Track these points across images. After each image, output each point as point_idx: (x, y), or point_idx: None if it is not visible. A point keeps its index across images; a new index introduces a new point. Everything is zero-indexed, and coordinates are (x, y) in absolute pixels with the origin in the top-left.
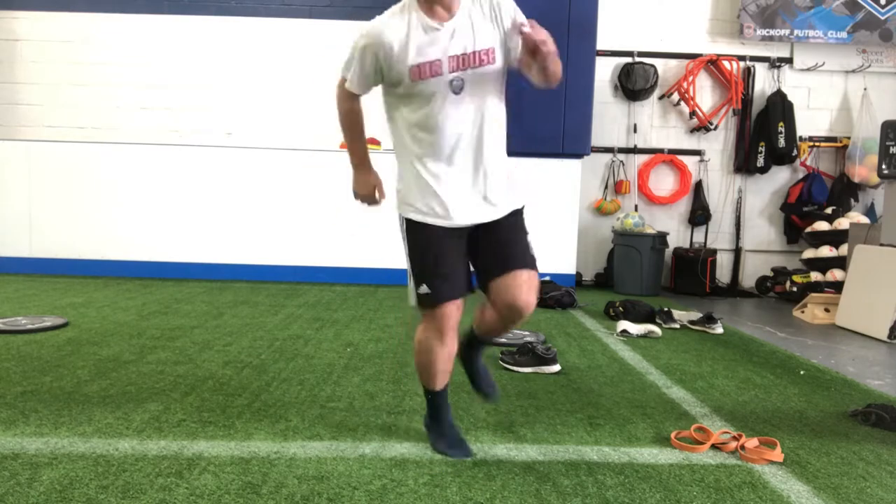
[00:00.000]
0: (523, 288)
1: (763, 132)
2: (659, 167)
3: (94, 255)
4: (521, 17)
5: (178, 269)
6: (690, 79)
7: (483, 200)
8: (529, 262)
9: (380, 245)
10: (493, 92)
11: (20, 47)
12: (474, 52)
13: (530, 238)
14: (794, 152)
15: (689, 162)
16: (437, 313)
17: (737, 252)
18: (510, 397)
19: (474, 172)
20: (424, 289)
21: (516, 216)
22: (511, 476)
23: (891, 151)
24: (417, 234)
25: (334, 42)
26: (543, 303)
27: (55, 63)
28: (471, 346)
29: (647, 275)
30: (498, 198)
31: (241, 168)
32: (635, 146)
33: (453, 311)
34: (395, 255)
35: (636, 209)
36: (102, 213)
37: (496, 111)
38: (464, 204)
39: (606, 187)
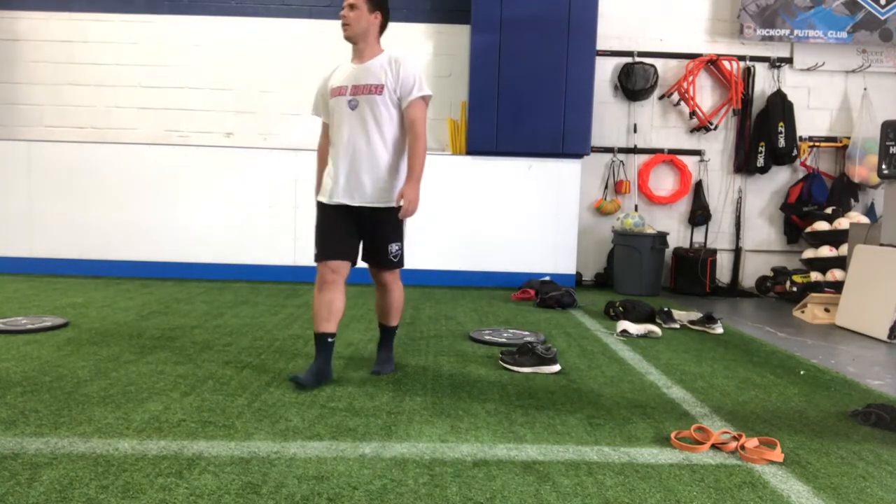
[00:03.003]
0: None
1: (763, 132)
2: (659, 167)
3: (94, 255)
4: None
5: (178, 269)
6: (690, 79)
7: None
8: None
9: None
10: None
11: (20, 47)
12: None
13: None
14: (794, 152)
15: (689, 162)
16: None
17: (737, 252)
18: (510, 397)
19: None
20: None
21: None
22: (511, 476)
23: (891, 151)
24: None
25: (334, 42)
26: (543, 303)
27: (55, 63)
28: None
29: (647, 275)
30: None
31: (241, 168)
32: (635, 146)
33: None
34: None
35: (636, 209)
36: (102, 213)
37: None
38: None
39: (606, 187)
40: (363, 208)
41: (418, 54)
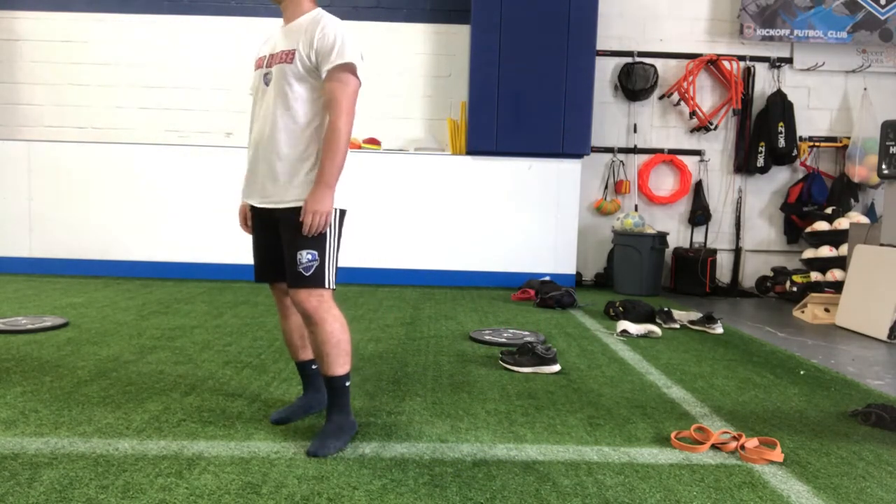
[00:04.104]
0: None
1: (763, 132)
2: (659, 167)
3: (94, 255)
4: (325, 49)
5: (178, 269)
6: (690, 79)
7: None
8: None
9: (379, 245)
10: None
11: (20, 47)
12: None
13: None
14: (794, 152)
15: (689, 162)
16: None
17: (737, 252)
18: (510, 397)
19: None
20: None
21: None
22: (511, 476)
23: (891, 151)
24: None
25: None
26: (543, 303)
27: (55, 63)
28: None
29: (647, 275)
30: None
31: (241, 168)
32: (635, 146)
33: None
34: (395, 255)
35: (636, 209)
36: (102, 213)
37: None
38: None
39: (606, 187)
40: (269, 210)
41: (418, 54)
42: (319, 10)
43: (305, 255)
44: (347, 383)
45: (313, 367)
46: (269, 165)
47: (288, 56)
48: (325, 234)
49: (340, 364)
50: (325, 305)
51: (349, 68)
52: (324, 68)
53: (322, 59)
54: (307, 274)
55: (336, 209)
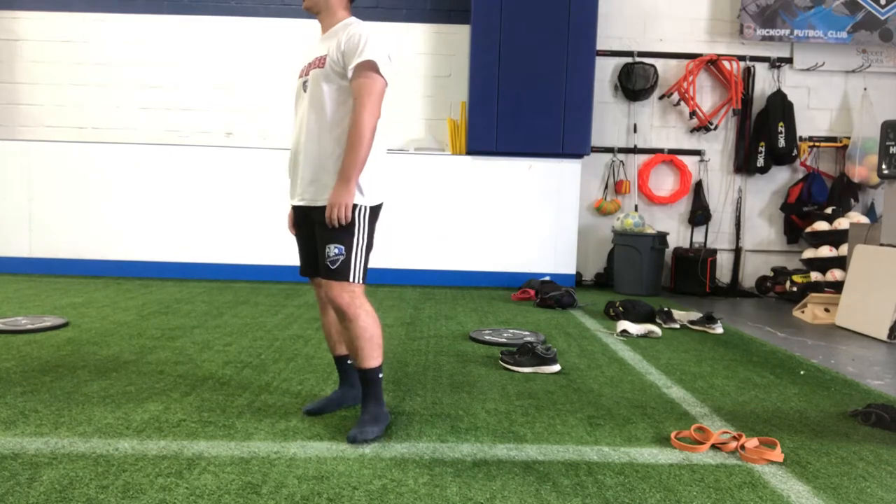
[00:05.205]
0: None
1: (763, 132)
2: (659, 167)
3: (94, 255)
4: (354, 56)
5: (178, 269)
6: (690, 79)
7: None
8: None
9: (380, 245)
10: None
11: (20, 47)
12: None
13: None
14: (794, 152)
15: (689, 162)
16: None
17: (737, 252)
18: (510, 397)
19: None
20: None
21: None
22: (511, 476)
23: (891, 151)
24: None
25: None
26: (543, 303)
27: (55, 63)
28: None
29: (647, 275)
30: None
31: (241, 168)
32: (635, 146)
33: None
34: (395, 255)
35: (636, 209)
36: (102, 213)
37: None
38: None
39: (606, 187)
40: (306, 209)
41: (418, 54)
42: (352, 17)
43: (333, 249)
44: (380, 375)
45: (349, 361)
46: (304, 166)
47: (320, 61)
48: (353, 229)
49: (374, 357)
50: (357, 301)
51: (372, 66)
52: (349, 67)
53: (348, 58)
54: (333, 267)
55: (364, 206)
